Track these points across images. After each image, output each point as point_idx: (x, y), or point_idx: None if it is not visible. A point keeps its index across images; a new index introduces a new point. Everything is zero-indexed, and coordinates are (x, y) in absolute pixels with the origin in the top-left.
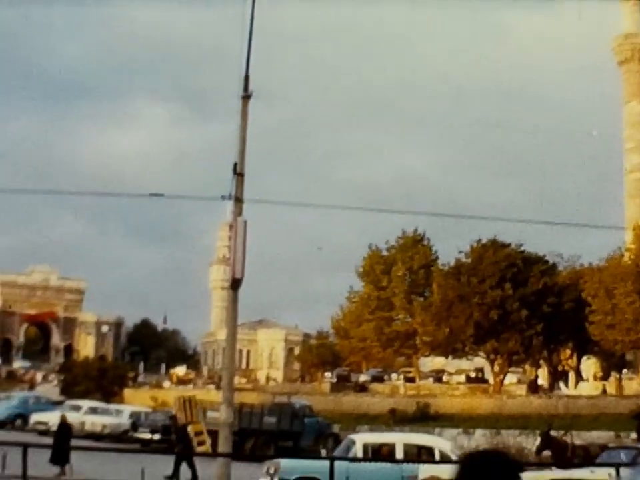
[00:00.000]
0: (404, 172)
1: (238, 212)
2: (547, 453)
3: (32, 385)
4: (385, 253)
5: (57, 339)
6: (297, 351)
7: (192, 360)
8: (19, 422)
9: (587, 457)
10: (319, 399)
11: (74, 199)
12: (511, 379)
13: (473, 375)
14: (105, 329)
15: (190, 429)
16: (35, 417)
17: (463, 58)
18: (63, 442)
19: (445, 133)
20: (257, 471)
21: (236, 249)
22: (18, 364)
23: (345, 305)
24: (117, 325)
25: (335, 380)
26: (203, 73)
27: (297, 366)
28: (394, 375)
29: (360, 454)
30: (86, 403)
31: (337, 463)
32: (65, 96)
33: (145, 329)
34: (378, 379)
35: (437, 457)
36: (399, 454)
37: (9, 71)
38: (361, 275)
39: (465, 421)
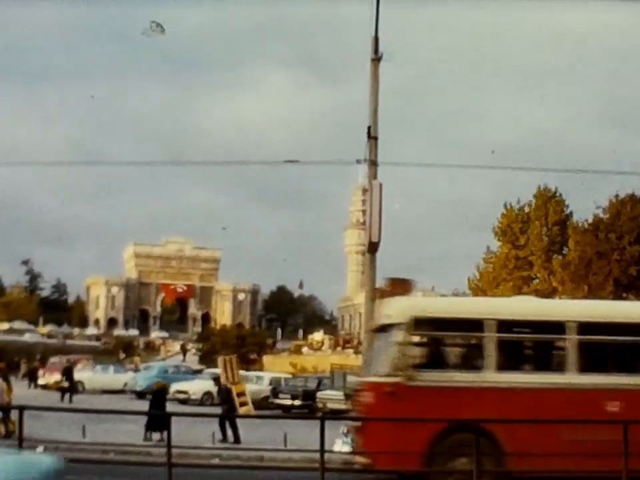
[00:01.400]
0: (534, 128)
1: (373, 175)
2: None
3: (184, 353)
4: (518, 211)
5: (193, 308)
6: None
7: (329, 325)
8: None
9: None
10: None
11: (205, 169)
12: None
13: None
14: (241, 296)
15: (233, 389)
16: (174, 387)
17: (587, 9)
18: (158, 409)
19: (573, 87)
20: None
21: (372, 213)
22: (155, 334)
23: (481, 265)
24: (253, 292)
25: None
26: (325, 37)
27: None
28: None
29: None
30: None
31: None
32: (189, 66)
33: (281, 295)
34: None
35: None
36: None
37: (132, 43)
38: (498, 235)
39: None
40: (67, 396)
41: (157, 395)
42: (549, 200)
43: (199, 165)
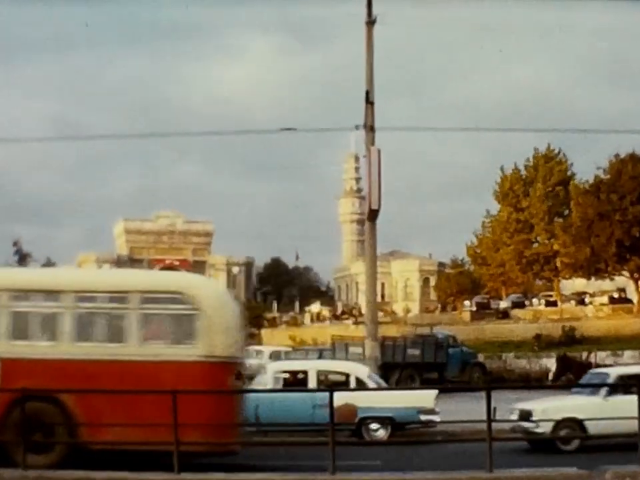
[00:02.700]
0: (528, 88)
1: (371, 141)
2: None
3: None
4: (525, 171)
5: None
6: (432, 281)
7: (325, 296)
8: None
9: None
10: (460, 328)
11: (191, 140)
12: None
13: (615, 295)
14: (235, 270)
15: None
16: None
17: None
18: None
19: (562, 45)
20: None
21: (371, 180)
22: None
23: (479, 230)
24: (247, 265)
25: (474, 308)
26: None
27: (433, 296)
28: (535, 300)
29: (270, 383)
30: None
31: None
32: (170, 35)
33: (275, 267)
34: (518, 304)
35: (353, 384)
36: (312, 382)
37: (111, 13)
38: (499, 197)
39: (612, 343)
40: None
41: None
42: (550, 160)
43: (186, 136)
